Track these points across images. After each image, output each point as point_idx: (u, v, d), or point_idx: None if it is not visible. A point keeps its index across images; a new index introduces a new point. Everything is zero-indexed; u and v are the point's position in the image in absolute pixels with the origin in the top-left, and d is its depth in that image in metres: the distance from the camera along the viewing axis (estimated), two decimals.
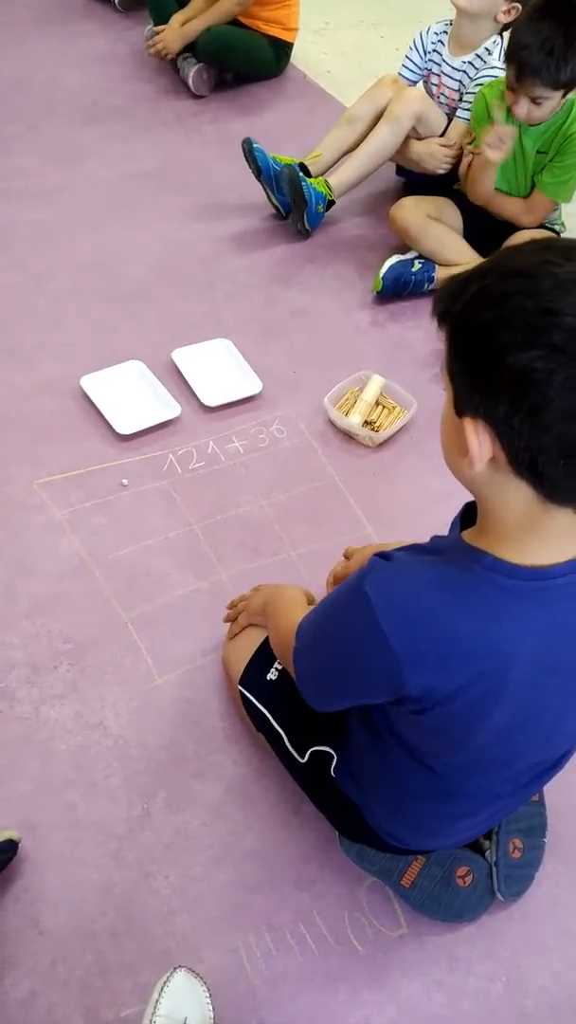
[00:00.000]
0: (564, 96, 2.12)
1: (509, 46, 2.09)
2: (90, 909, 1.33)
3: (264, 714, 1.36)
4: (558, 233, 2.46)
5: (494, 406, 0.76)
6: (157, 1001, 1.17)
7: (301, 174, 2.49)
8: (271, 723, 1.35)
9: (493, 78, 2.35)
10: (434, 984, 1.30)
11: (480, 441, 0.78)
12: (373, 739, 1.13)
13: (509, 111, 2.18)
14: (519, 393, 0.73)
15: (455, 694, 0.87)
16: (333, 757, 1.24)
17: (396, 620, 0.85)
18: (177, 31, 3.13)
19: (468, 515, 0.95)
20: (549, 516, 0.81)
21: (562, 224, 2.49)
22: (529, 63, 2.03)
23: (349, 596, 0.90)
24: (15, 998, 1.25)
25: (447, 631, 0.84)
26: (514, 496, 0.80)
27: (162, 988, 1.19)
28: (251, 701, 1.39)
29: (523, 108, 2.14)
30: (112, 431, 1.99)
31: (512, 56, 2.07)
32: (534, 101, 2.11)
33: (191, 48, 3.18)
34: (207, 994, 1.20)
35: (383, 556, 0.90)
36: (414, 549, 0.94)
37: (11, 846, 1.32)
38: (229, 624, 1.56)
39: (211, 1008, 1.19)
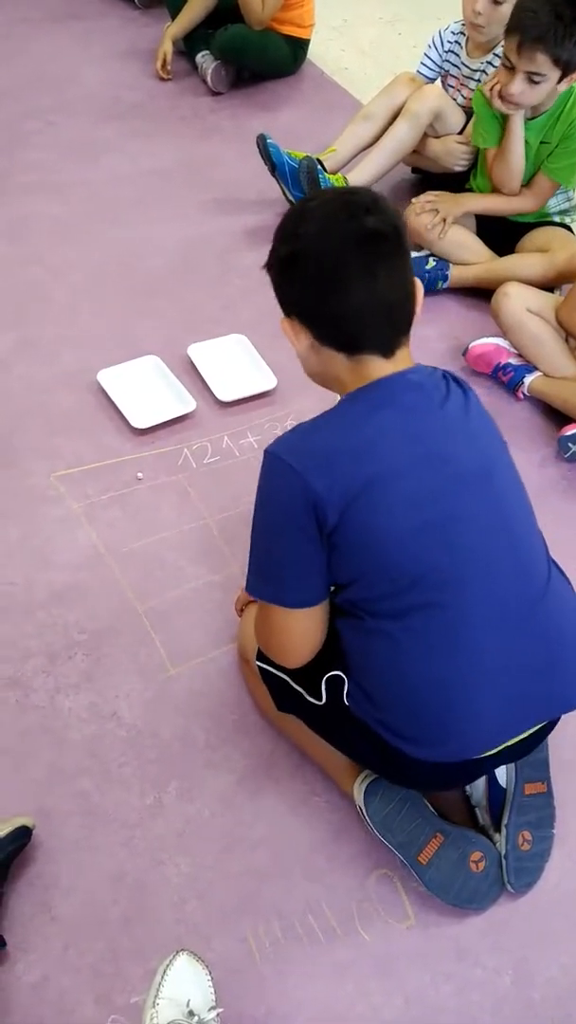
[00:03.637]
0: (560, 81, 2.09)
1: (511, 19, 2.07)
2: (102, 896, 1.35)
3: (284, 680, 1.36)
4: (568, 227, 2.45)
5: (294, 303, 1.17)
6: (160, 983, 1.19)
7: (320, 167, 2.50)
8: (290, 684, 1.35)
9: None
10: (442, 975, 1.31)
11: (296, 332, 1.17)
12: (354, 629, 1.23)
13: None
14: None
15: (350, 492, 1.10)
16: (343, 680, 1.26)
17: (290, 450, 1.14)
18: (166, 39, 3.26)
19: None
20: (363, 364, 1.15)
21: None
22: (534, 28, 1.99)
23: (263, 465, 1.18)
24: (27, 982, 1.27)
25: (326, 443, 1.14)
26: (333, 363, 1.17)
27: (165, 971, 1.20)
28: (269, 672, 1.38)
29: (518, 86, 2.09)
30: (128, 425, 2.01)
31: (515, 26, 2.03)
32: (531, 79, 2.08)
33: (209, 46, 3.20)
34: (209, 976, 1.22)
35: None
36: None
37: (25, 832, 1.33)
38: (242, 616, 1.58)
39: (213, 990, 1.21)
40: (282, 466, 1.13)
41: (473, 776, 1.39)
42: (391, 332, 1.16)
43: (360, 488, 1.10)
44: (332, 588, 1.23)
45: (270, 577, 1.21)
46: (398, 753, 1.22)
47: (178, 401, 2.06)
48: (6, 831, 1.31)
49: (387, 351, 1.16)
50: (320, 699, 1.30)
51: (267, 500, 1.20)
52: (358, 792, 1.37)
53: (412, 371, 1.18)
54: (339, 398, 1.21)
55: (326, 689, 1.29)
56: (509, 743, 1.24)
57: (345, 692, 1.26)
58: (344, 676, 1.27)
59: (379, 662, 1.21)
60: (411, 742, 1.21)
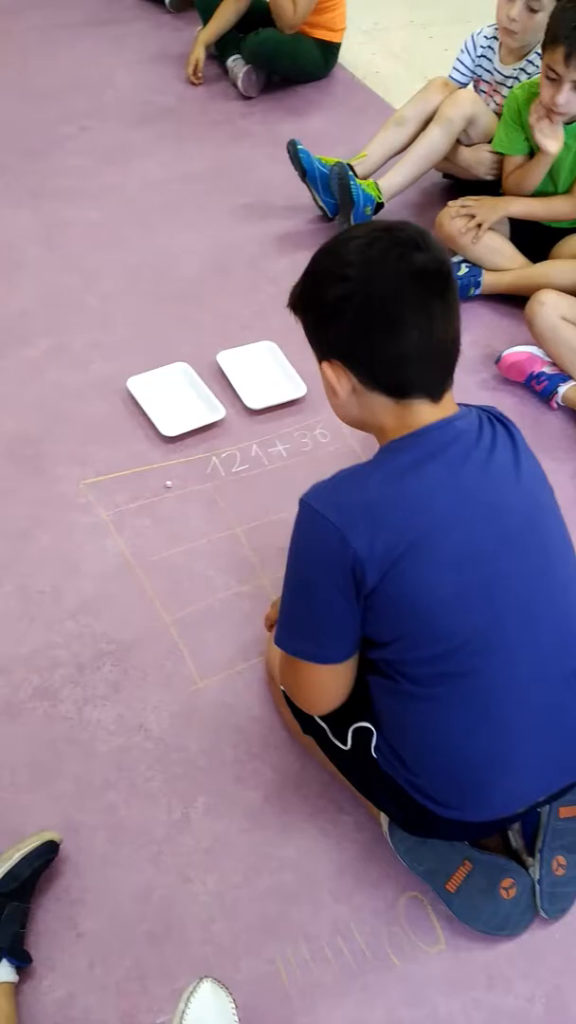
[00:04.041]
0: None
1: (553, 30, 2.03)
2: (129, 913, 1.33)
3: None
4: None
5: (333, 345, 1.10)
6: (183, 1011, 1.16)
7: (351, 173, 2.48)
8: (315, 719, 1.34)
9: None
10: (472, 1002, 1.28)
11: (337, 376, 1.10)
12: (388, 690, 1.18)
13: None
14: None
15: (395, 551, 1.04)
16: (372, 732, 1.23)
17: (328, 502, 1.07)
18: (198, 45, 3.25)
19: None
20: (411, 410, 1.09)
21: None
22: None
23: (297, 516, 1.11)
24: (53, 999, 1.26)
25: (369, 495, 1.07)
26: (378, 408, 1.10)
27: (188, 998, 1.18)
28: None
29: (565, 96, 2.07)
30: (157, 433, 2.00)
31: (559, 37, 2.00)
32: None
33: (240, 50, 3.19)
34: (233, 1005, 1.19)
35: None
36: None
37: (52, 847, 1.32)
38: (271, 632, 1.56)
39: (236, 1018, 1.18)
40: (318, 519, 1.06)
41: (500, 828, 1.35)
42: (442, 375, 1.11)
43: (407, 545, 1.04)
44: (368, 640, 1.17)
45: (300, 633, 1.16)
46: (424, 811, 1.20)
47: (207, 409, 2.05)
48: (33, 846, 1.30)
49: (436, 395, 1.10)
50: (345, 744, 1.28)
51: (301, 554, 1.12)
52: (384, 819, 1.35)
53: (458, 417, 1.12)
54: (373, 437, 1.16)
55: (352, 738, 1.27)
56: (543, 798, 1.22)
57: (373, 745, 1.24)
58: (373, 729, 1.24)
59: (417, 729, 1.17)
60: (443, 805, 1.18)
